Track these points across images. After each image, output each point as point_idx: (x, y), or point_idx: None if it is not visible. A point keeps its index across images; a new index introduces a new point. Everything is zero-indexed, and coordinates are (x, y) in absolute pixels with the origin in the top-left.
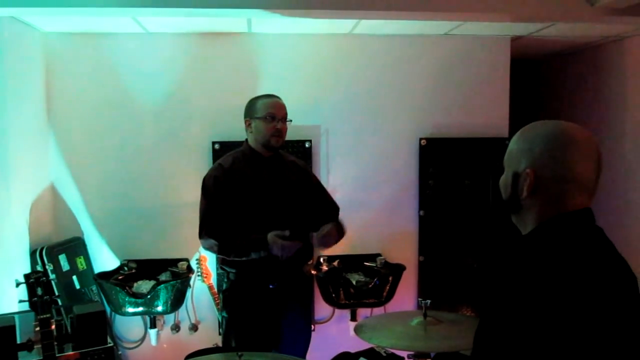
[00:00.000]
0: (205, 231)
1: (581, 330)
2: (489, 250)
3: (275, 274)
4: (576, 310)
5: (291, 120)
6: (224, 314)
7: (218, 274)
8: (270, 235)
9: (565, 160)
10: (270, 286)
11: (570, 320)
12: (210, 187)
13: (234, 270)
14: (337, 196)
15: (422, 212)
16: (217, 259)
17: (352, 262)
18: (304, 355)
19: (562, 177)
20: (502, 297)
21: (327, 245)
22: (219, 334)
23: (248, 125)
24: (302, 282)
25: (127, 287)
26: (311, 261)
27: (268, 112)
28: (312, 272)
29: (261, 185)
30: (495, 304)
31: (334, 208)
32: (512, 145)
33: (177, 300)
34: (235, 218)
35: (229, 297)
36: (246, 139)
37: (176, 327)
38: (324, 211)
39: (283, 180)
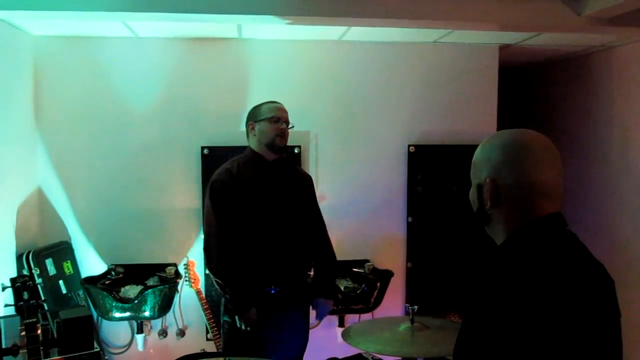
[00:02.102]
0: (216, 265)
1: (559, 336)
2: (477, 257)
3: (276, 278)
4: (553, 318)
5: (293, 126)
6: (226, 318)
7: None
8: (252, 312)
9: (521, 166)
10: (272, 291)
11: (549, 328)
12: (220, 193)
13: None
14: (326, 202)
15: (410, 219)
16: (189, 266)
17: (340, 268)
18: (301, 358)
19: (520, 183)
20: (480, 307)
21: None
22: (207, 339)
23: (251, 128)
24: (303, 286)
25: (114, 292)
26: None
27: (273, 114)
28: None
29: (266, 188)
30: (474, 314)
31: (325, 238)
32: (474, 158)
33: (164, 306)
34: (241, 225)
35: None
36: (249, 146)
37: (163, 333)
38: (314, 235)
39: (287, 184)
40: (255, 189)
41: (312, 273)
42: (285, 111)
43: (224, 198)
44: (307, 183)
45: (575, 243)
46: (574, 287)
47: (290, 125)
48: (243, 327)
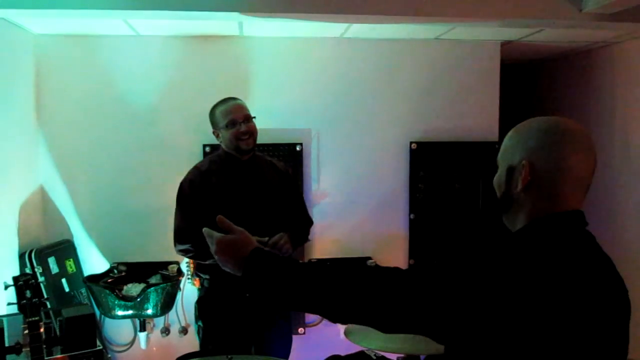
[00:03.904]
0: (178, 238)
1: (564, 332)
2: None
3: None
4: (557, 316)
5: (255, 117)
6: (200, 323)
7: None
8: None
9: (561, 149)
10: (247, 294)
11: (555, 322)
12: (186, 191)
13: (207, 277)
14: (328, 200)
15: (412, 216)
16: (190, 264)
17: (342, 265)
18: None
19: (557, 167)
20: (484, 293)
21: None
22: None
23: (217, 136)
24: None
25: (116, 290)
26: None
27: (228, 119)
28: None
29: (238, 186)
30: (475, 300)
31: (306, 221)
32: (507, 141)
33: (167, 303)
34: (211, 221)
35: (204, 306)
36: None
37: (166, 330)
38: (294, 221)
39: (260, 182)
40: (226, 186)
41: None
42: (240, 108)
43: (191, 196)
44: (286, 180)
45: (593, 244)
46: (583, 290)
47: (252, 116)
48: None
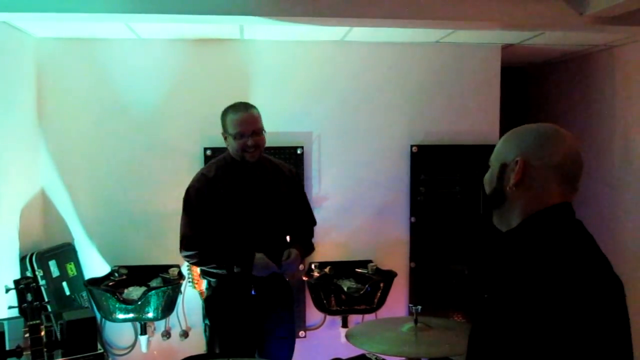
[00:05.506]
0: (185, 245)
1: (575, 328)
2: (479, 256)
3: (257, 280)
4: (569, 307)
5: (265, 131)
6: (207, 321)
7: None
8: (260, 257)
9: (553, 149)
10: (252, 293)
11: (562, 318)
12: (192, 199)
13: (214, 279)
14: (329, 203)
15: (413, 219)
16: (192, 270)
17: (343, 268)
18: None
19: (549, 165)
20: (497, 298)
21: (292, 271)
22: None
23: (225, 138)
24: (284, 288)
25: (117, 293)
26: (302, 267)
27: (236, 131)
28: (304, 278)
29: (244, 193)
30: (490, 306)
31: (310, 222)
32: (500, 143)
33: (167, 307)
34: (217, 227)
35: (210, 304)
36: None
37: (167, 334)
38: (298, 223)
39: (266, 188)
40: (232, 192)
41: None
42: (251, 122)
43: (198, 204)
44: (292, 183)
45: (584, 233)
46: (588, 279)
47: (263, 129)
48: (281, 270)
